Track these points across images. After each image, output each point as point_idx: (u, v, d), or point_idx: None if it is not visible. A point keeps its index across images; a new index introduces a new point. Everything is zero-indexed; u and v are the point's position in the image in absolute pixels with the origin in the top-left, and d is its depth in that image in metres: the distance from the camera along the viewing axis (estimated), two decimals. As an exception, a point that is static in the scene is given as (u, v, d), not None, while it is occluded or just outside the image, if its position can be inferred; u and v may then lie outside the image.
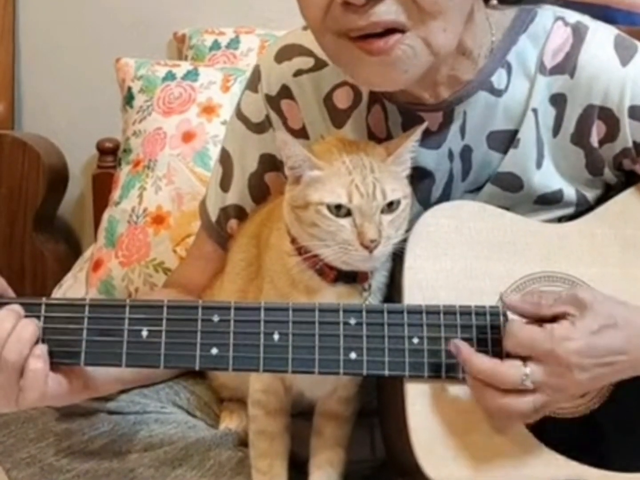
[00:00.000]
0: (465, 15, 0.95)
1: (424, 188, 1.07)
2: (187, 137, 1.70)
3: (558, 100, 1.03)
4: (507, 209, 1.04)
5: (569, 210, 1.07)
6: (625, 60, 1.02)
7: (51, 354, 0.93)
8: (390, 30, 0.89)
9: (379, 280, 1.00)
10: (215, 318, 0.94)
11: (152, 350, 0.93)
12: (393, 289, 1.01)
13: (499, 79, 1.04)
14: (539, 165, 1.05)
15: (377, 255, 0.93)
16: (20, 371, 0.91)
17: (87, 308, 0.94)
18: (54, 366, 0.94)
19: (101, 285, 1.67)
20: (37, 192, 2.04)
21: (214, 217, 1.21)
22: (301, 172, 0.95)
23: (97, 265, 1.70)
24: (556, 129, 1.05)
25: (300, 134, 1.11)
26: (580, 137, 1.04)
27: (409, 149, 0.97)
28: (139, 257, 1.64)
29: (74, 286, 1.77)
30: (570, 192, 1.06)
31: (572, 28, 1.03)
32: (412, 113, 1.05)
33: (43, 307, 0.94)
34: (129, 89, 1.82)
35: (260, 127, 1.15)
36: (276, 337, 0.94)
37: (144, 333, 0.94)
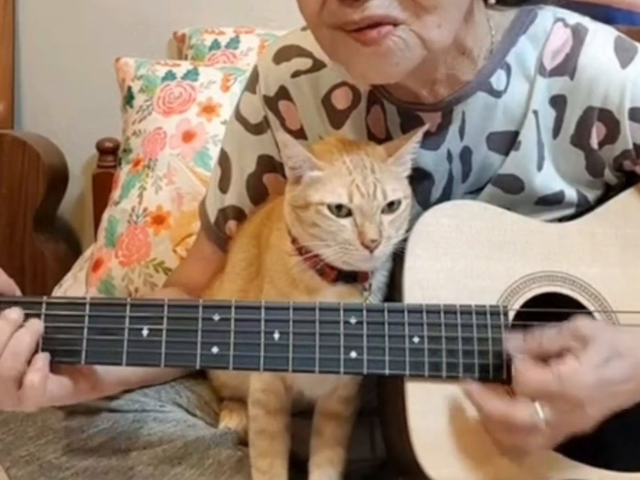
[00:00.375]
0: (462, 13, 0.95)
1: (423, 189, 1.07)
2: (187, 136, 1.70)
3: (558, 102, 1.04)
4: (508, 209, 1.04)
5: (570, 211, 1.07)
6: (625, 62, 1.02)
7: (52, 352, 0.93)
8: (384, 23, 0.89)
9: (379, 280, 1.00)
10: (216, 317, 0.94)
11: (153, 349, 0.93)
12: (393, 289, 1.01)
13: (498, 80, 1.04)
14: (539, 167, 1.05)
15: (377, 255, 0.93)
16: (18, 383, 0.90)
17: (87, 306, 0.94)
18: (57, 368, 0.94)
19: (101, 285, 1.67)
20: (37, 192, 2.04)
21: (212, 218, 1.21)
22: (302, 172, 0.95)
23: (97, 265, 1.70)
24: (556, 131, 1.05)
25: (298, 135, 1.11)
26: (580, 139, 1.04)
27: (410, 150, 0.97)
28: (139, 257, 1.64)
29: (74, 286, 1.77)
30: (571, 193, 1.06)
31: (572, 30, 1.03)
32: (411, 113, 1.05)
33: (44, 306, 0.94)
34: (129, 88, 1.82)
35: (259, 128, 1.15)
36: (277, 336, 0.94)
37: (145, 332, 0.93)
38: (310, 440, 1.06)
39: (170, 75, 1.79)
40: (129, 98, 1.82)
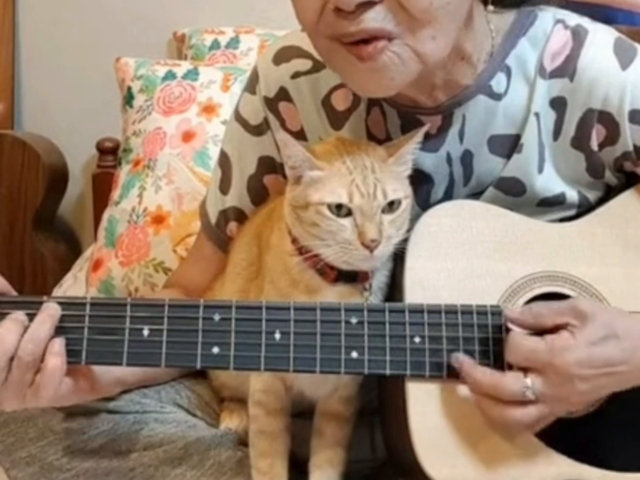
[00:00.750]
0: (459, 23, 0.94)
1: (423, 190, 1.07)
2: (187, 136, 1.70)
3: (558, 104, 1.03)
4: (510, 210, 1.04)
5: (571, 212, 1.07)
6: (625, 64, 1.01)
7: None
8: (379, 38, 0.89)
9: (379, 280, 1.00)
10: (217, 317, 0.94)
11: (153, 349, 0.93)
12: (394, 289, 1.01)
13: (498, 82, 1.03)
14: (540, 169, 1.05)
15: (377, 255, 0.93)
16: (37, 367, 0.91)
17: (88, 306, 0.94)
18: None
19: (101, 285, 1.67)
20: (37, 192, 2.05)
21: (213, 220, 1.21)
22: (302, 172, 0.95)
23: (97, 265, 1.70)
24: (556, 133, 1.04)
25: (298, 136, 1.11)
26: (580, 141, 1.04)
27: (410, 150, 0.97)
28: (138, 257, 1.64)
29: (73, 286, 1.77)
30: (572, 195, 1.06)
31: (571, 31, 1.03)
32: (411, 116, 1.05)
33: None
34: (129, 88, 1.82)
35: (259, 130, 1.15)
36: (277, 336, 0.94)
37: (145, 332, 0.93)
38: (311, 440, 1.06)
39: (170, 75, 1.79)
40: (129, 98, 1.82)
